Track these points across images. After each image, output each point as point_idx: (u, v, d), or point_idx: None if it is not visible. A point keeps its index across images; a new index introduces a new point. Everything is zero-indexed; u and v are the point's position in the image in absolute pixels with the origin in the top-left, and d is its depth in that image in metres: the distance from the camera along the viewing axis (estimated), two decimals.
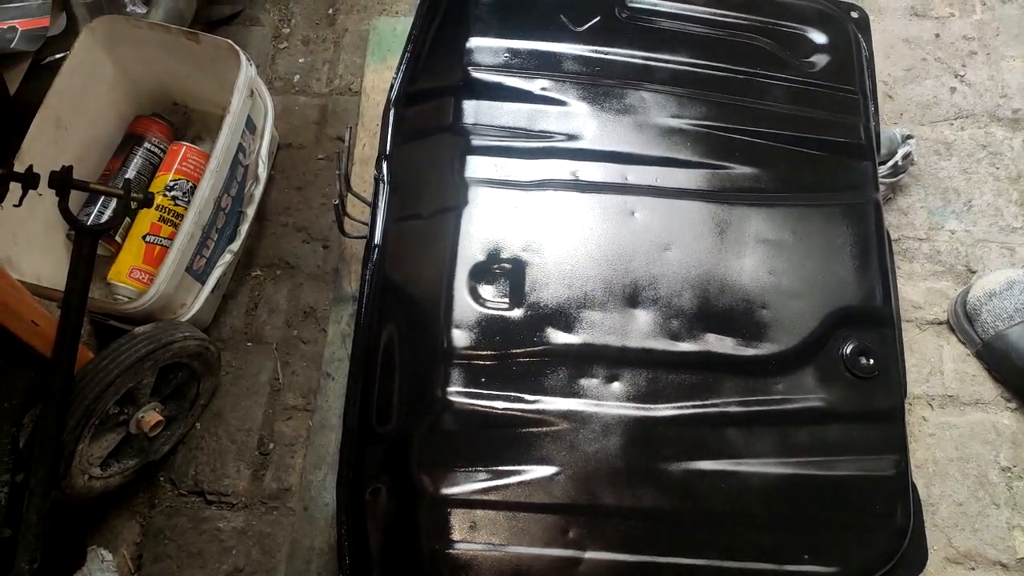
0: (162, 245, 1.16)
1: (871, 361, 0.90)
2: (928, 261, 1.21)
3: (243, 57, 1.12)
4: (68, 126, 1.16)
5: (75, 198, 1.19)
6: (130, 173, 1.21)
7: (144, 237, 1.16)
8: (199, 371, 1.08)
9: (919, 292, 1.19)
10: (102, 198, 1.20)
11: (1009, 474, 1.10)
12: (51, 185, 0.91)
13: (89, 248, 0.90)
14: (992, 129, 1.29)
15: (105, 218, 1.18)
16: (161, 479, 1.14)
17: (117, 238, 1.20)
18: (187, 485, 1.13)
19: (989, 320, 1.12)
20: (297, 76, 1.40)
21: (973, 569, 1.06)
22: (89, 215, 1.19)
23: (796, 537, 0.84)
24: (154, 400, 1.04)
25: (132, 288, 1.14)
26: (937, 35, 1.36)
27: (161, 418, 1.03)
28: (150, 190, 1.19)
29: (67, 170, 0.91)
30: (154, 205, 1.16)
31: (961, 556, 1.06)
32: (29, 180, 0.90)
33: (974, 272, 1.20)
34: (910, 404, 1.13)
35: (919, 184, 1.25)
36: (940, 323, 1.18)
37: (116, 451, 1.04)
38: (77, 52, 1.15)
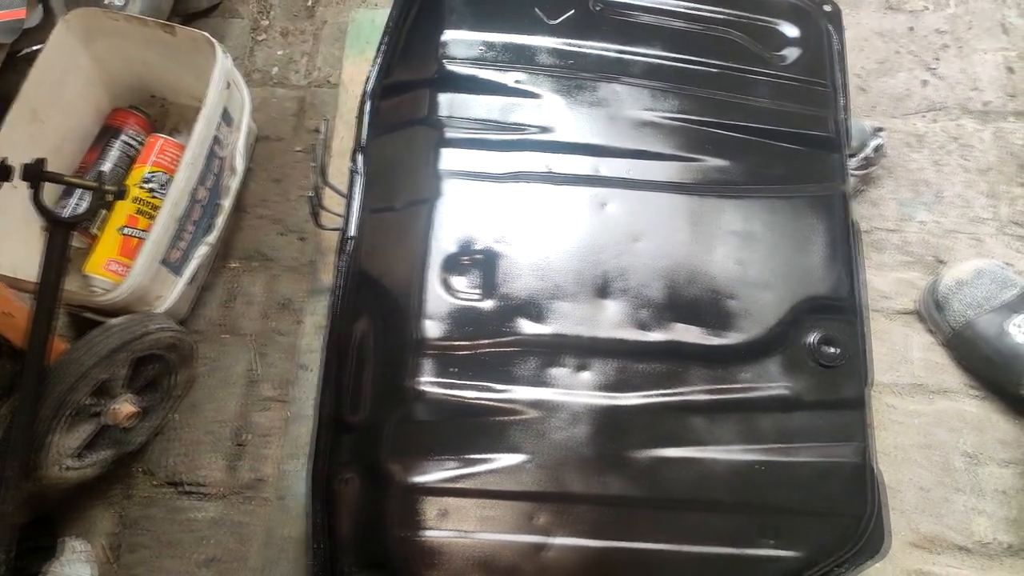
0: (139, 237, 1.16)
1: (836, 350, 0.91)
2: (898, 252, 1.23)
3: (219, 49, 1.12)
4: (44, 118, 1.16)
5: (53, 190, 1.20)
6: (106, 165, 1.22)
7: (121, 229, 1.16)
8: (174, 363, 1.09)
9: (888, 282, 1.21)
10: (79, 190, 1.20)
11: (972, 460, 1.12)
12: (24, 177, 0.91)
13: (63, 240, 0.91)
14: (963, 122, 1.31)
15: (82, 210, 1.18)
16: (137, 470, 1.15)
17: (94, 230, 1.20)
18: (163, 476, 1.14)
19: (959, 309, 1.13)
20: (275, 68, 1.41)
21: (936, 553, 1.08)
22: (65, 207, 1.20)
23: (760, 522, 0.85)
24: (129, 392, 1.05)
25: (109, 280, 1.15)
26: (911, 28, 1.38)
27: (136, 409, 1.04)
28: (126, 182, 1.19)
29: (40, 162, 0.92)
30: (130, 197, 1.16)
31: (924, 541, 1.08)
32: (3, 172, 0.91)
33: (943, 263, 1.22)
34: (878, 392, 1.15)
35: (890, 176, 1.27)
36: (909, 313, 1.20)
37: (91, 442, 1.04)
38: (53, 44, 1.15)
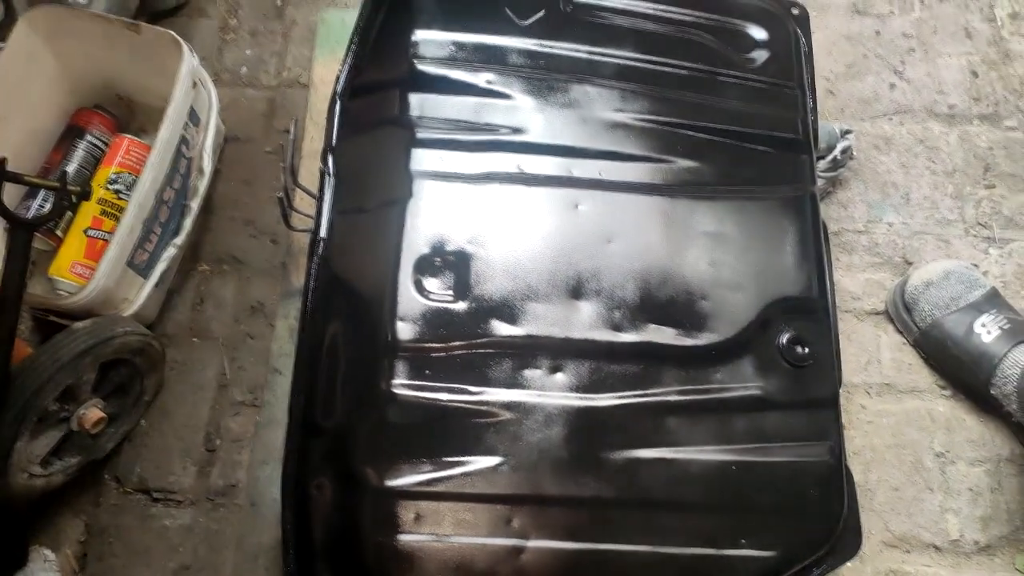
0: (104, 239, 1.14)
1: (806, 350, 0.92)
2: (867, 253, 1.24)
3: (185, 48, 1.10)
4: (6, 118, 1.13)
5: (16, 191, 1.17)
6: (71, 166, 1.19)
7: (86, 231, 1.14)
8: (142, 367, 1.07)
9: (858, 283, 1.22)
10: (42, 192, 1.18)
11: (943, 459, 1.13)
12: None
13: (24, 242, 0.89)
14: (929, 124, 1.33)
15: (45, 212, 1.15)
16: (106, 477, 1.12)
17: (59, 232, 1.18)
18: (132, 483, 1.12)
19: (926, 309, 1.15)
20: (245, 68, 1.39)
21: (908, 552, 1.09)
22: (29, 208, 1.17)
23: (733, 522, 0.86)
24: (96, 397, 1.03)
25: (74, 283, 1.12)
26: (878, 32, 1.39)
27: (103, 415, 1.02)
28: (92, 183, 1.17)
29: (0, 162, 0.90)
30: (96, 199, 1.14)
31: (897, 540, 1.10)
32: None
33: (911, 263, 1.23)
34: (848, 392, 1.16)
35: (858, 178, 1.29)
36: (878, 313, 1.21)
37: (58, 449, 1.02)
38: (14, 42, 1.12)
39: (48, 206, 1.17)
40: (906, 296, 1.17)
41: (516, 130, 1.00)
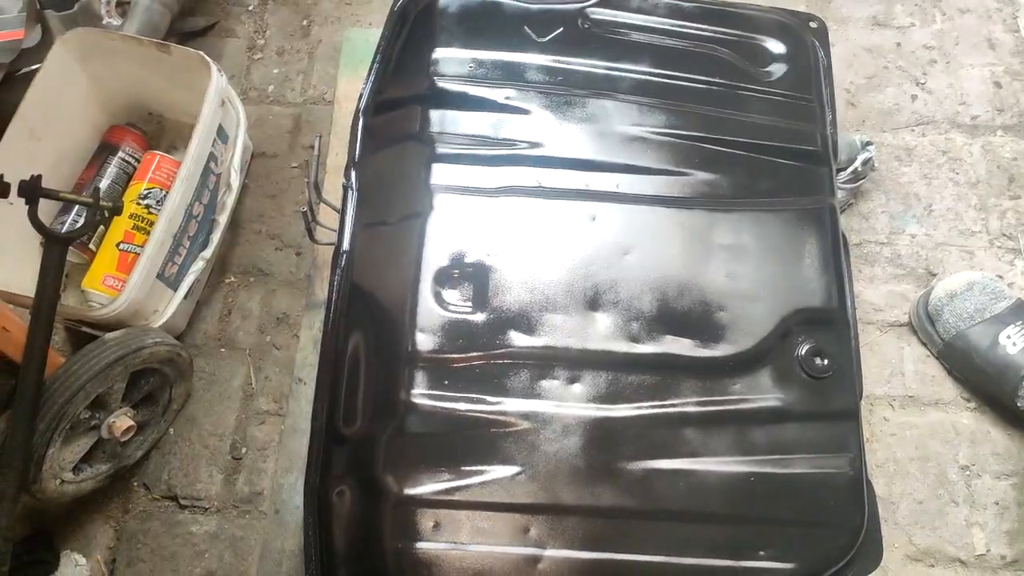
0: (135, 253, 1.17)
1: (826, 361, 0.92)
2: (889, 264, 1.24)
3: (214, 68, 1.14)
4: (42, 136, 1.17)
5: (51, 207, 1.21)
6: (104, 182, 1.23)
7: (118, 245, 1.18)
8: (171, 377, 1.09)
9: (880, 295, 1.22)
10: (77, 207, 1.21)
11: (968, 472, 1.12)
12: (20, 194, 0.92)
13: (58, 255, 0.92)
14: (952, 135, 1.32)
15: (78, 227, 1.19)
16: (135, 484, 1.15)
17: (92, 246, 1.21)
18: (160, 490, 1.15)
19: (951, 320, 1.14)
20: (271, 86, 1.42)
21: (933, 566, 1.08)
22: (63, 223, 1.21)
23: (752, 534, 0.86)
24: (126, 405, 1.05)
25: (106, 295, 1.16)
26: (898, 44, 1.39)
27: (133, 423, 1.04)
28: (123, 199, 1.20)
29: (36, 179, 0.93)
30: (127, 213, 1.18)
31: (921, 553, 1.08)
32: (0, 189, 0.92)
33: (934, 275, 1.23)
34: (871, 405, 1.15)
35: (880, 189, 1.28)
36: (901, 325, 1.21)
37: (89, 456, 1.05)
38: (50, 63, 1.16)
39: (82, 221, 1.20)
40: (930, 307, 1.17)
41: (535, 145, 1.01)
